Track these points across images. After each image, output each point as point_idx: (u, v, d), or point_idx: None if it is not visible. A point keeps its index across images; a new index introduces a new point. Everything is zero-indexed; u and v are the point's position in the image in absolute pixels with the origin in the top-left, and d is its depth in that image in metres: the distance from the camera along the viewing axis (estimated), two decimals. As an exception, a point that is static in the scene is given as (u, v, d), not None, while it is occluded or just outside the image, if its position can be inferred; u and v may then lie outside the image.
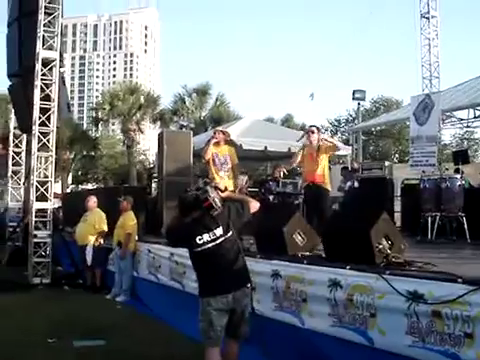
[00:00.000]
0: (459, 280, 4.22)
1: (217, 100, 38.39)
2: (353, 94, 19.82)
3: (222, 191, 4.85)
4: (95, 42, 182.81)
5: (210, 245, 4.56)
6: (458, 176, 9.62)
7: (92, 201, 11.36)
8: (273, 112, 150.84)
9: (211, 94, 38.46)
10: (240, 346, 4.75)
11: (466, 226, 8.80)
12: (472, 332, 3.92)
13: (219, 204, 4.59)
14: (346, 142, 29.41)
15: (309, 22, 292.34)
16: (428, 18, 20.47)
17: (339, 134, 45.54)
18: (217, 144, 9.03)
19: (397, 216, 11.24)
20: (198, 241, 4.56)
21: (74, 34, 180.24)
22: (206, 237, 4.56)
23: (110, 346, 6.69)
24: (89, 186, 44.52)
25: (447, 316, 4.08)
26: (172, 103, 38.23)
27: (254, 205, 4.90)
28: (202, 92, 37.90)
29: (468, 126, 20.08)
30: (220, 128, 9.74)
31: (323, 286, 5.28)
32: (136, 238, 10.43)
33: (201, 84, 38.43)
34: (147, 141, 69.00)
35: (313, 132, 8.53)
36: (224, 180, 8.71)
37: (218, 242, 4.56)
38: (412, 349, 4.32)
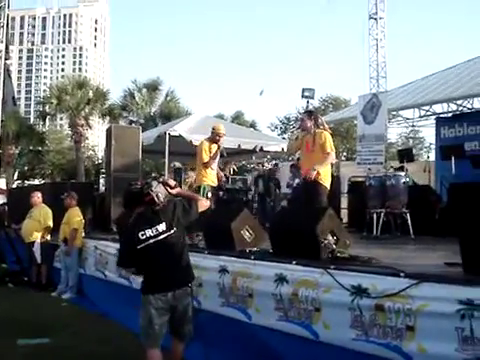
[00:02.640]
0: (401, 274, 4.32)
1: (167, 96, 37.98)
2: (302, 92, 19.88)
3: (171, 188, 4.79)
4: (43, 35, 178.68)
5: (152, 241, 4.51)
6: (402, 174, 9.84)
7: (36, 197, 11.13)
8: (223, 109, 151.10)
9: (161, 90, 38.02)
10: (186, 345, 4.71)
11: (410, 222, 9.03)
12: (413, 325, 4.01)
13: (162, 199, 4.54)
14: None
15: (260, 19, 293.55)
16: (376, 19, 20.83)
17: (289, 132, 45.92)
18: (213, 142, 8.86)
19: (344, 212, 11.42)
20: (140, 236, 4.51)
21: (22, 26, 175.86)
22: (148, 232, 4.51)
23: (56, 344, 6.59)
24: (36, 182, 43.52)
25: (389, 309, 4.16)
26: (121, 98, 37.68)
27: (203, 203, 4.88)
28: (152, 87, 37.45)
29: (413, 125, 20.57)
30: (219, 126, 9.09)
31: (269, 281, 5.31)
32: (83, 234, 10.29)
33: (151, 79, 38.00)
34: (96, 137, 68.04)
35: (303, 119, 7.51)
36: (214, 176, 8.81)
37: (160, 238, 4.51)
38: (356, 342, 4.40)
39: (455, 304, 3.74)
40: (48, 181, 41.14)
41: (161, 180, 4.87)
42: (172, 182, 4.87)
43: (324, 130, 7.33)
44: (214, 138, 8.85)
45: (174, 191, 4.80)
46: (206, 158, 8.66)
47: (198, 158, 8.86)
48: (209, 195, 8.45)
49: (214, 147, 8.78)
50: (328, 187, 7.21)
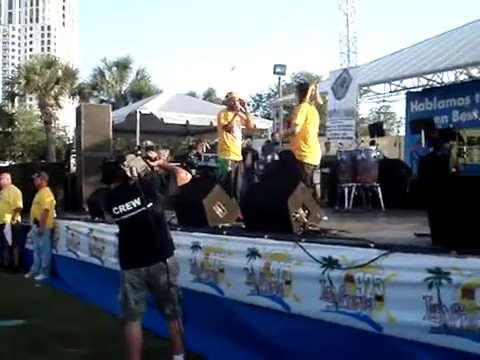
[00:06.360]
0: (371, 245, 4.38)
1: (138, 74, 37.68)
2: (274, 69, 19.84)
3: (152, 160, 4.68)
4: (10, 14, 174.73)
5: (125, 217, 4.47)
6: (373, 148, 9.94)
7: (5, 178, 10.98)
8: (195, 86, 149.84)
9: (132, 68, 37.72)
10: (178, 326, 4.47)
11: (380, 196, 9.13)
12: (382, 294, 4.06)
13: (135, 174, 4.40)
14: (267, 116, 29.66)
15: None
16: (346, -6, 20.84)
17: (261, 109, 45.96)
18: (229, 109, 8.08)
19: (316, 187, 11.49)
20: (114, 212, 4.50)
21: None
22: (122, 208, 4.46)
23: (30, 325, 6.55)
24: (6, 164, 42.91)
25: (359, 280, 4.21)
26: (91, 77, 37.22)
27: (182, 177, 4.71)
28: (122, 66, 37.07)
29: (384, 100, 20.69)
30: (231, 92, 8.30)
31: (242, 256, 5.34)
32: (54, 215, 10.21)
33: (121, 57, 37.61)
34: (66, 117, 67.16)
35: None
36: (238, 149, 8.04)
37: (134, 213, 4.45)
38: (326, 313, 4.45)
39: (423, 273, 3.79)
40: (18, 162, 40.63)
41: (140, 153, 4.77)
42: (153, 154, 4.78)
43: (304, 102, 7.17)
44: (230, 105, 8.11)
45: (155, 163, 4.71)
46: (224, 122, 7.91)
47: (218, 127, 8.20)
48: (228, 169, 7.84)
49: (231, 114, 7.96)
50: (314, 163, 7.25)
